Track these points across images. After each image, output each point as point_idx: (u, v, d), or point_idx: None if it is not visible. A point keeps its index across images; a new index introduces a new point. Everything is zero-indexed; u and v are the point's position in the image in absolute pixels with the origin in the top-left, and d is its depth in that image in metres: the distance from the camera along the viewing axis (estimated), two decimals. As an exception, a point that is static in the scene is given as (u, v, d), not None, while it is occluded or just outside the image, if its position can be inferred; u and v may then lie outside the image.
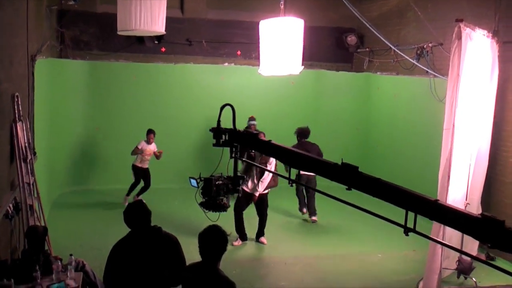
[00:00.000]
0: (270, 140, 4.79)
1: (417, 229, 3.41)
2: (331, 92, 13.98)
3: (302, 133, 10.87)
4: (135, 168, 11.48)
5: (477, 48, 7.78)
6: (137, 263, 4.63)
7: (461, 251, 4.14)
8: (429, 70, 10.50)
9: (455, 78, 7.27)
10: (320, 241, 9.87)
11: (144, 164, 11.46)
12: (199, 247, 4.29)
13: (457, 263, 7.73)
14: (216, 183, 5.16)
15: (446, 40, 10.02)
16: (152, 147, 11.43)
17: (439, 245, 7.50)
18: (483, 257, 8.88)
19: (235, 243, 9.37)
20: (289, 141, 13.21)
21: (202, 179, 5.18)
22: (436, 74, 10.25)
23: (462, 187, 7.77)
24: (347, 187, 3.98)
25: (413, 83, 11.63)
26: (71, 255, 6.50)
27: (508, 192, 8.89)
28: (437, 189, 7.38)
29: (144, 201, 4.89)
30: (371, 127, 13.65)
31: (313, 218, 10.89)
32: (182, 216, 10.78)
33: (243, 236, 9.53)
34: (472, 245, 8.64)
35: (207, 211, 5.11)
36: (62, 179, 11.99)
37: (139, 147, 11.28)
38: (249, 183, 9.30)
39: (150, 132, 11.37)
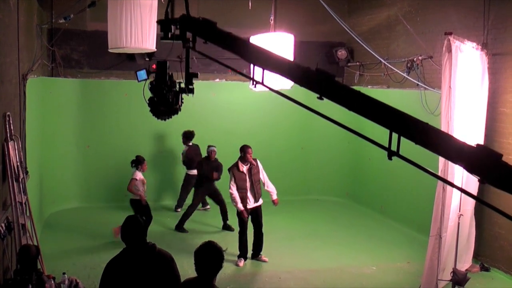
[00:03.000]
0: (230, 32, 4.54)
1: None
2: (322, 106, 13.91)
3: (189, 135, 11.99)
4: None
5: (467, 60, 7.85)
6: (131, 281, 4.56)
7: (459, 188, 3.68)
8: (419, 83, 10.56)
9: (447, 90, 7.32)
10: (314, 254, 9.80)
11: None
12: (194, 264, 4.19)
13: (451, 275, 7.72)
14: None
15: (436, 52, 10.10)
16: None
17: (435, 257, 7.50)
18: (477, 268, 8.88)
19: (240, 264, 9.17)
20: (282, 155, 13.23)
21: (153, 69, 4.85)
22: (427, 87, 10.31)
23: (455, 198, 7.79)
24: (318, 96, 3.74)
25: (404, 96, 11.65)
26: (64, 273, 6.46)
27: (500, 203, 8.90)
28: (433, 198, 7.53)
29: (139, 216, 4.82)
30: (362, 141, 13.61)
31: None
32: (175, 233, 10.76)
33: (245, 255, 9.34)
34: (466, 256, 8.65)
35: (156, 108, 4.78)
36: (54, 197, 11.91)
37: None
38: (250, 198, 9.19)
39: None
